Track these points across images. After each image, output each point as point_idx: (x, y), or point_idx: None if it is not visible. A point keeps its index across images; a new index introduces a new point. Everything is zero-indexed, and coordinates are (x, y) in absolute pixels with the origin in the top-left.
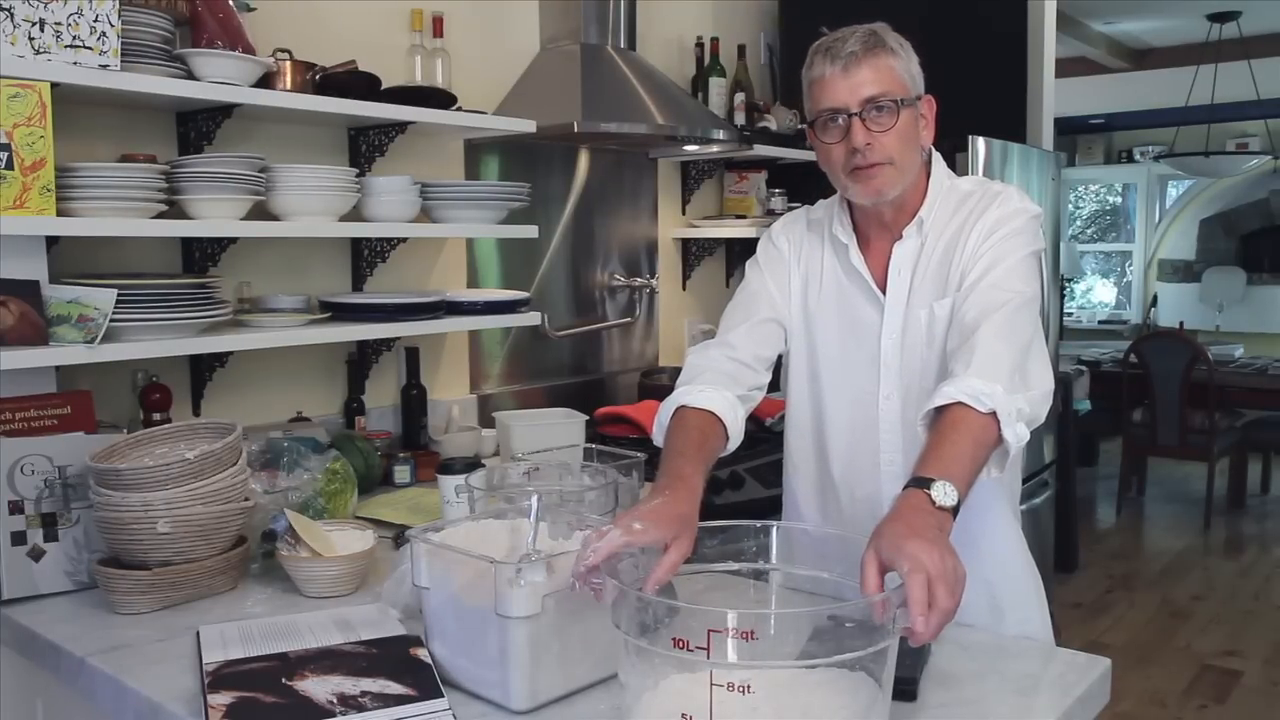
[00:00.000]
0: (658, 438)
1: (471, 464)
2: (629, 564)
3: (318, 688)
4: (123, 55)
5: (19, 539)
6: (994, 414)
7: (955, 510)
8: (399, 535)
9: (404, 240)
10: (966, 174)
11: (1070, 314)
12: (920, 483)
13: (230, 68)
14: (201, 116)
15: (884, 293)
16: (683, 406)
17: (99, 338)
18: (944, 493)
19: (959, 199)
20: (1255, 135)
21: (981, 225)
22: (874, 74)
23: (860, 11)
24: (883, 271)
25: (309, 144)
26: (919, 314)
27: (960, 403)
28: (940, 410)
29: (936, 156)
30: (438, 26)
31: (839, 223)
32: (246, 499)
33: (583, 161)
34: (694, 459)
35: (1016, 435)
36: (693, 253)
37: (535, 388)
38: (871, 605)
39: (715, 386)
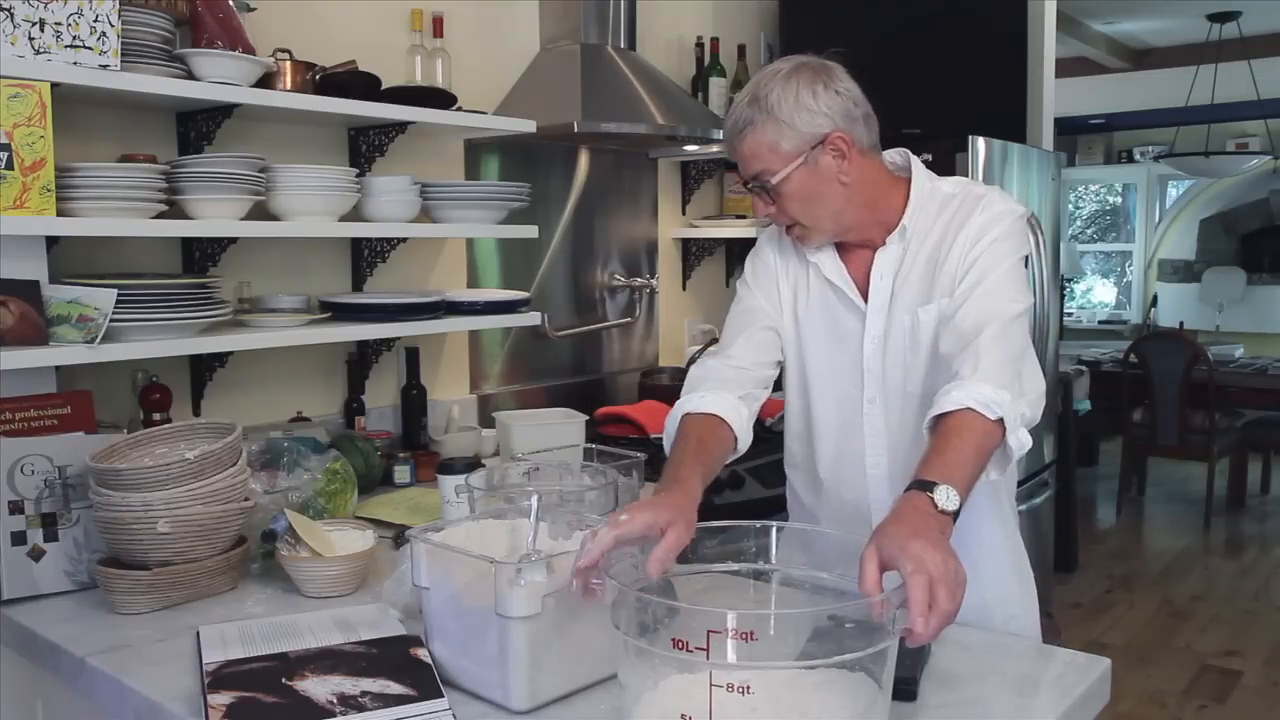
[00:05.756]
0: (668, 450)
1: (471, 464)
2: (629, 564)
3: (318, 688)
4: (123, 55)
5: (19, 539)
6: (1000, 421)
7: (956, 515)
8: (399, 535)
9: (404, 240)
10: (967, 174)
11: (1070, 314)
12: (923, 485)
13: (230, 68)
14: (201, 116)
15: (865, 300)
16: (685, 415)
17: (99, 338)
18: (947, 497)
19: (941, 202)
20: (1255, 135)
21: (967, 231)
22: (750, 153)
23: (860, 12)
24: (864, 278)
25: (309, 144)
26: (902, 320)
27: (967, 408)
28: (944, 413)
29: (915, 161)
30: (438, 26)
31: None
32: (246, 499)
33: (583, 161)
34: (691, 462)
35: (1020, 442)
36: (693, 253)
37: (535, 388)
38: (871, 605)
39: (715, 391)
